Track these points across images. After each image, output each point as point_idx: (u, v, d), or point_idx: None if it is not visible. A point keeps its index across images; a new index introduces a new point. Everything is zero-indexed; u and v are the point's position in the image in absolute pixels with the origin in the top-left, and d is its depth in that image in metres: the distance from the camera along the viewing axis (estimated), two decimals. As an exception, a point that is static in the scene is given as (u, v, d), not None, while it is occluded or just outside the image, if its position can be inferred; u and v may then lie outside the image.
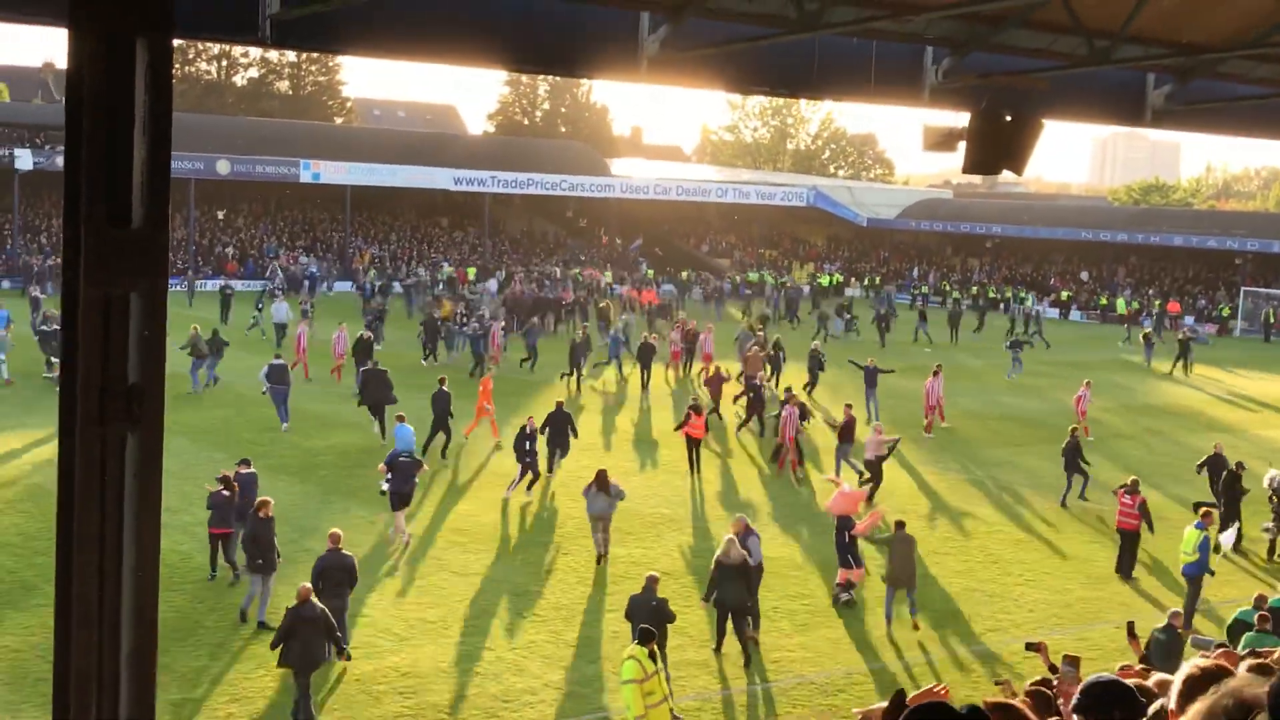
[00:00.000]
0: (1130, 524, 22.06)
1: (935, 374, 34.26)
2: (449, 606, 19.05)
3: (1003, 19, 11.51)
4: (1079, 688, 3.86)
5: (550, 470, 26.92)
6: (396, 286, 62.52)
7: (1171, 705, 3.88)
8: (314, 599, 15.43)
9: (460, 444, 29.32)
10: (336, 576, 16.77)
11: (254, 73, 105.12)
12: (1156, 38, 12.03)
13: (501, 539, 22.76)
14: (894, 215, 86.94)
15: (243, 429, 30.75)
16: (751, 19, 10.62)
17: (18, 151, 62.25)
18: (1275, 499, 23.65)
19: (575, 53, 10.79)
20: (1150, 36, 11.94)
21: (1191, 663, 3.85)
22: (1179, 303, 69.55)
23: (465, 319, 44.06)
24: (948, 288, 76.68)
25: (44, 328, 37.49)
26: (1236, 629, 16.33)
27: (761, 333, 42.70)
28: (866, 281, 79.73)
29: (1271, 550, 23.62)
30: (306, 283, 62.99)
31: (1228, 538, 22.63)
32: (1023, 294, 73.27)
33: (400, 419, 25.63)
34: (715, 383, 34.41)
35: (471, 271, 70.46)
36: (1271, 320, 65.34)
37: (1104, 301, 72.11)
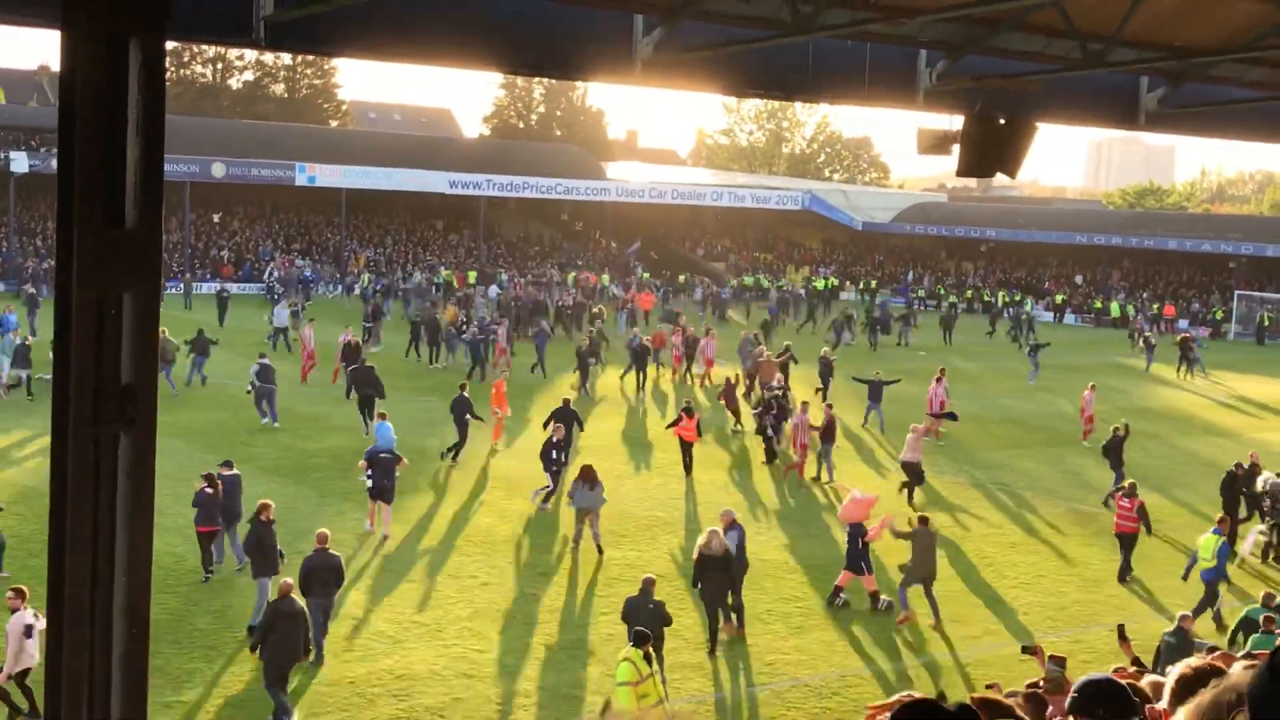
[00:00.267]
0: (1129, 527, 22.11)
1: (939, 379, 34.11)
2: (442, 609, 19.04)
3: (997, 22, 11.52)
4: (1073, 687, 3.87)
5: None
6: (397, 291, 62.45)
7: (1164, 705, 3.88)
8: (294, 595, 15.62)
9: (493, 450, 29.49)
10: (324, 576, 16.94)
11: (249, 75, 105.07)
12: (1150, 41, 12.04)
13: (496, 542, 22.74)
14: (889, 219, 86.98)
15: (237, 431, 30.73)
16: (746, 22, 10.63)
17: (13, 154, 62.18)
18: (1269, 502, 23.67)
19: (569, 55, 10.79)
20: (1144, 40, 11.96)
21: (1184, 663, 3.86)
22: (1174, 306, 69.70)
23: (465, 324, 44.01)
24: (942, 291, 76.72)
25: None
26: (1245, 627, 16.40)
27: (762, 343, 42.58)
28: (861, 285, 79.79)
29: (1266, 552, 23.65)
30: (299, 285, 62.91)
31: (1248, 543, 22.74)
32: (1018, 297, 73.27)
33: (382, 416, 26.04)
34: (730, 396, 33.53)
35: (472, 275, 70.51)
36: (1266, 324, 65.44)
37: (1098, 305, 72.18)
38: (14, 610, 14.82)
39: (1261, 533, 23.83)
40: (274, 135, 77.73)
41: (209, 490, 19.90)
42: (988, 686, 10.97)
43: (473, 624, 18.48)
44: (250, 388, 32.41)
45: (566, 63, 11.07)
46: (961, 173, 11.98)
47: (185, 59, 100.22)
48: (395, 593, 19.72)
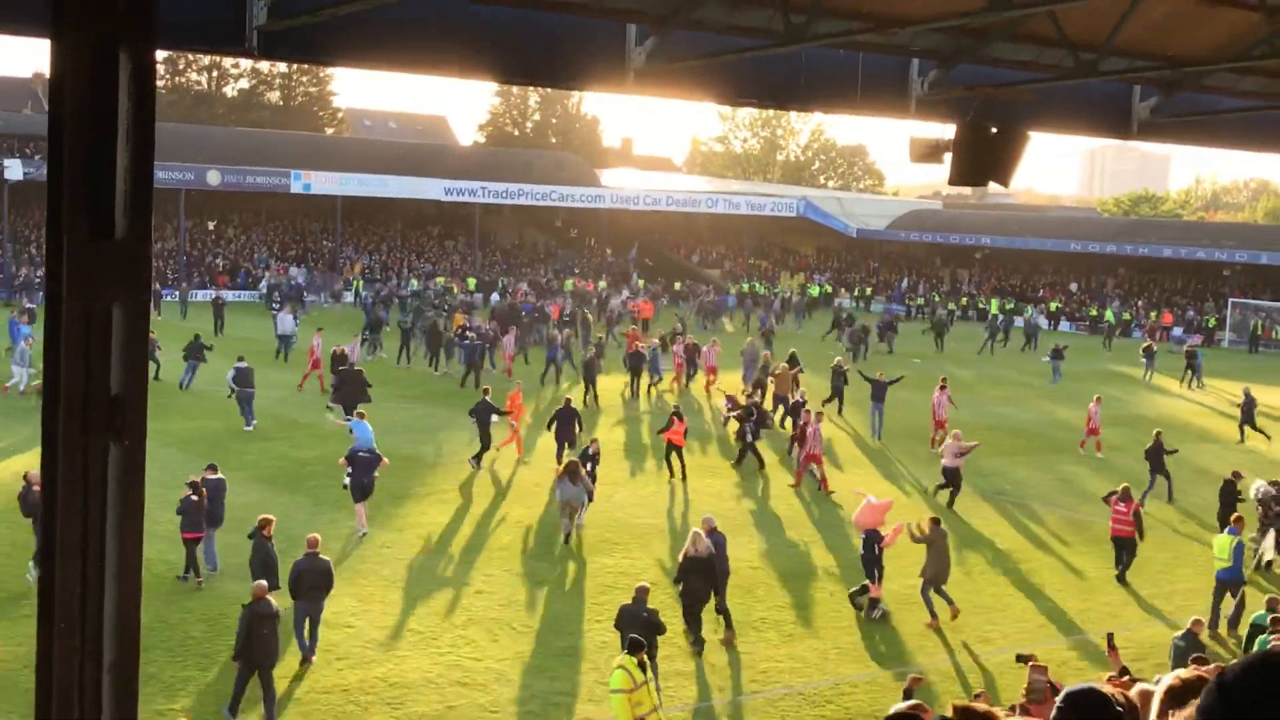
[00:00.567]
0: (1125, 530, 22.21)
1: (942, 388, 33.97)
2: (437, 617, 19.03)
3: (988, 31, 11.55)
4: (1057, 698, 3.88)
5: (559, 460, 27.45)
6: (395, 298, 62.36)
7: (1153, 717, 3.88)
8: (269, 597, 15.74)
9: (522, 461, 29.56)
10: (313, 580, 17.01)
11: (244, 83, 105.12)
12: (1142, 50, 12.08)
13: (490, 549, 22.73)
14: (883, 226, 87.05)
15: (230, 439, 30.70)
16: (738, 31, 10.65)
17: (7, 161, 62.11)
18: (1261, 509, 23.71)
19: (562, 65, 10.81)
20: (1136, 49, 11.99)
21: (1174, 674, 3.86)
22: (1171, 314, 69.82)
23: (466, 330, 43.99)
24: (938, 298, 76.78)
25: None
26: (1254, 635, 16.44)
27: (764, 350, 42.51)
28: (856, 292, 79.87)
29: (1258, 561, 23.66)
30: (293, 293, 62.77)
31: (1269, 546, 22.77)
32: (1010, 306, 73.28)
33: (360, 415, 26.59)
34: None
35: (471, 282, 70.47)
36: (1259, 332, 65.50)
37: (1093, 312, 72.26)
38: None
39: (1252, 540, 23.84)
40: (269, 143, 77.74)
41: (194, 498, 20.00)
42: (975, 696, 10.96)
43: (466, 632, 18.47)
44: (230, 391, 32.81)
45: (559, 72, 11.10)
46: (954, 181, 12.02)
47: (180, 66, 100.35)
48: (389, 600, 19.71)
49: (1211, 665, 10.18)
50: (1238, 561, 20.05)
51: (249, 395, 32.06)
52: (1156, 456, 28.27)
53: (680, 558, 18.54)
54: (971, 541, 24.54)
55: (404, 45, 9.92)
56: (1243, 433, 36.39)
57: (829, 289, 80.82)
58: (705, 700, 16.61)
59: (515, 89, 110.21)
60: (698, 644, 18.04)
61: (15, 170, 61.93)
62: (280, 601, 17.40)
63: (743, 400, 32.86)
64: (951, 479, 27.07)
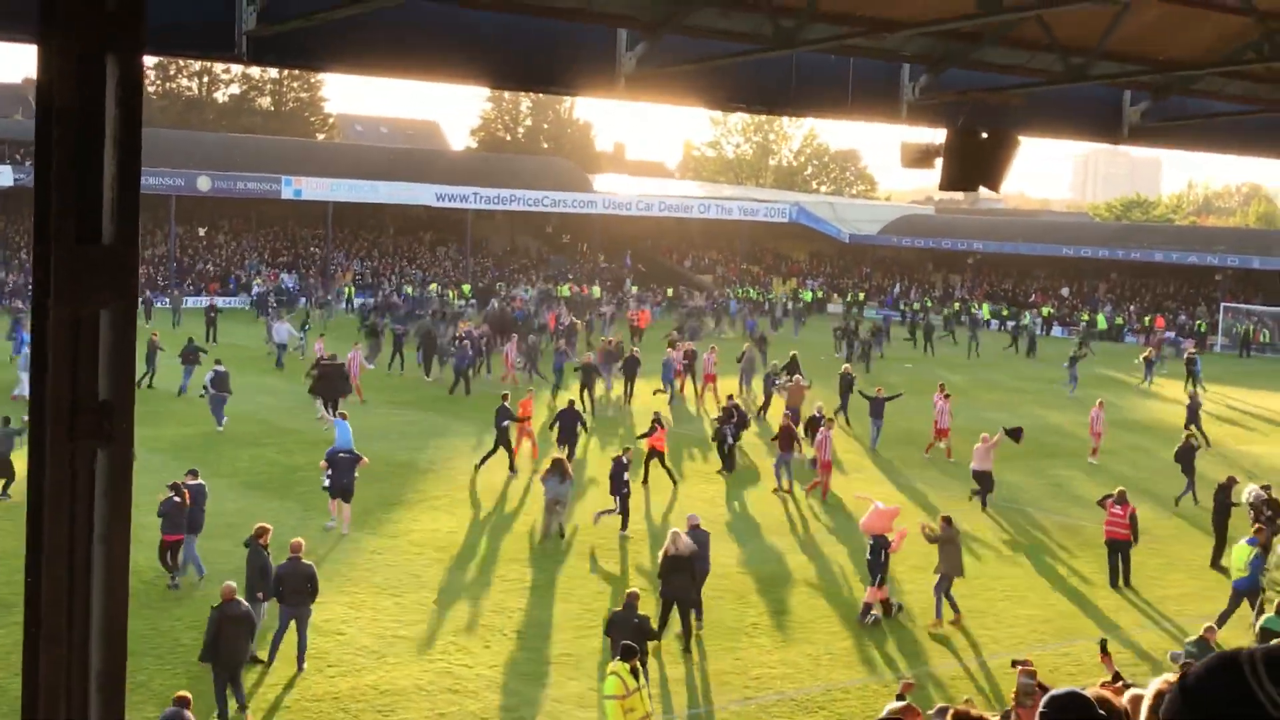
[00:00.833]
0: (1121, 534, 22.24)
1: (946, 396, 33.75)
2: (428, 624, 19.00)
3: (979, 36, 11.56)
4: (1041, 701, 3.87)
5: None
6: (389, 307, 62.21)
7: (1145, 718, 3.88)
8: (239, 598, 15.83)
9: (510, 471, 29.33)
10: (295, 584, 17.01)
11: (235, 89, 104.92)
12: (1132, 55, 12.10)
13: (481, 556, 22.71)
14: (876, 231, 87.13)
15: (221, 445, 30.66)
16: (728, 36, 10.66)
17: (-2, 167, 62.11)
18: (1252, 514, 23.73)
19: (553, 70, 10.81)
20: (1126, 53, 12.01)
21: (1161, 678, 3.85)
22: (1162, 318, 69.91)
23: (462, 338, 43.85)
24: (929, 304, 76.82)
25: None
26: (1264, 638, 16.45)
27: (756, 356, 42.43)
28: (849, 298, 79.92)
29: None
30: (273, 299, 62.46)
31: None
32: (1007, 311, 73.31)
33: (342, 416, 26.92)
34: (787, 435, 29.78)
35: (466, 288, 70.44)
36: (1250, 336, 65.59)
37: (1085, 317, 72.33)
38: None
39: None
40: (260, 148, 77.62)
41: (176, 499, 20.04)
42: (964, 701, 10.98)
43: (457, 639, 18.44)
44: (204, 392, 33.36)
45: (550, 77, 11.10)
46: (944, 186, 12.03)
47: (171, 72, 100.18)
48: (380, 607, 19.67)
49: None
50: (1255, 571, 20.12)
51: (223, 399, 32.70)
52: (1186, 458, 28.74)
53: (660, 556, 18.65)
54: (964, 546, 24.48)
55: (394, 50, 9.91)
56: (1202, 434, 36.17)
57: (821, 294, 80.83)
58: (697, 707, 16.60)
59: (507, 94, 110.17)
60: (686, 638, 18.35)
61: (6, 176, 61.84)
62: (273, 608, 17.43)
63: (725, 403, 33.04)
64: (983, 482, 27.48)
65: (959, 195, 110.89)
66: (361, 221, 77.60)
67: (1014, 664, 14.17)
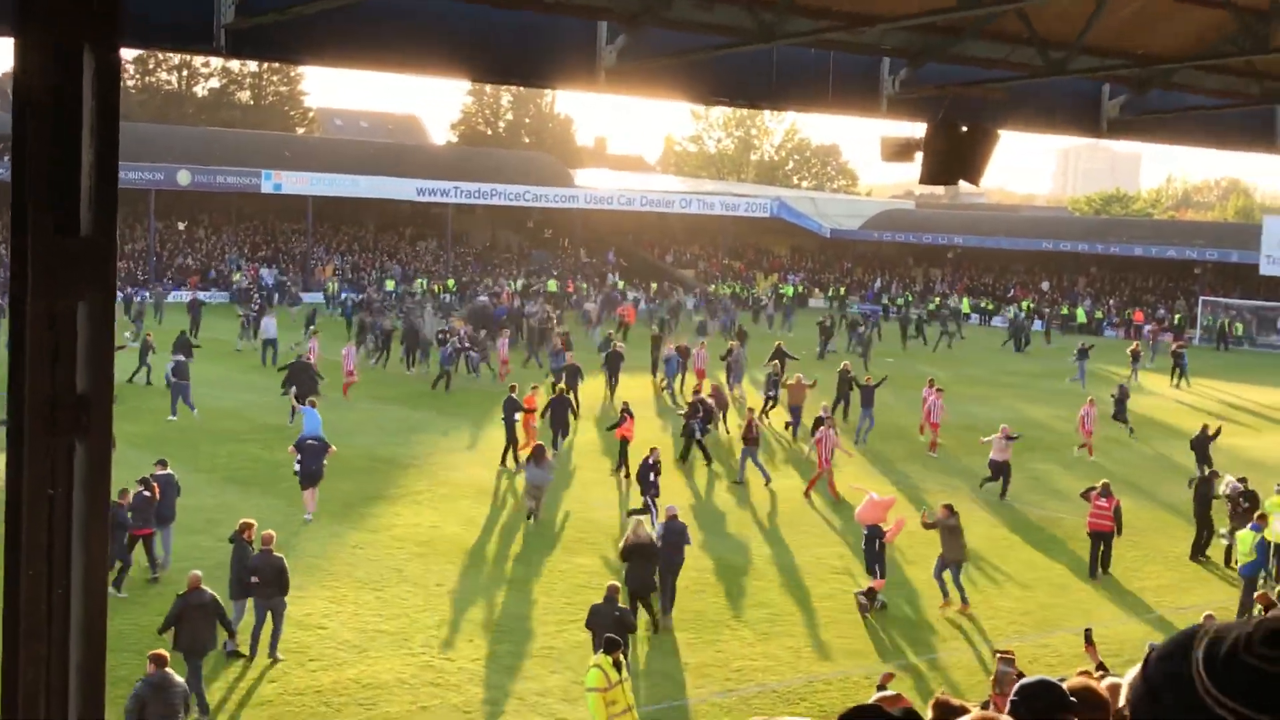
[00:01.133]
0: (1105, 525, 22.34)
1: (939, 391, 33.77)
2: (410, 618, 18.98)
3: (958, 30, 11.58)
4: (1014, 689, 3.90)
5: (555, 446, 28.92)
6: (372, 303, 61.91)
7: (1123, 705, 3.89)
8: (203, 586, 15.84)
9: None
10: (267, 576, 17.02)
11: (215, 83, 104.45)
12: (1111, 48, 12.14)
13: (463, 550, 22.69)
14: (857, 226, 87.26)
15: (202, 440, 30.55)
16: (708, 29, 10.65)
17: (-24, 162, 61.61)
18: (1230, 505, 23.87)
19: (533, 63, 10.80)
20: (1105, 47, 12.05)
21: (1138, 667, 3.87)
22: (1142, 312, 70.19)
23: (446, 335, 43.66)
24: (911, 299, 76.93)
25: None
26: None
27: (776, 362, 42.36)
28: (831, 292, 80.00)
29: (1228, 556, 23.80)
30: (257, 295, 62.10)
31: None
32: (988, 304, 73.44)
33: (311, 404, 27.26)
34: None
35: (451, 283, 70.32)
36: (1226, 330, 65.89)
37: (1065, 311, 72.61)
38: None
39: (1223, 535, 23.99)
40: (240, 142, 77.33)
41: (146, 494, 19.98)
42: (940, 691, 11.03)
43: (439, 632, 18.43)
44: (167, 381, 33.76)
45: (530, 71, 11.08)
46: (924, 180, 12.06)
47: (150, 66, 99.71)
48: (361, 601, 19.64)
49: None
50: (1261, 555, 20.68)
51: (184, 387, 33.22)
52: (1202, 447, 29.41)
53: (621, 544, 18.80)
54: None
55: (373, 43, 9.89)
56: (1127, 424, 36.36)
57: (802, 289, 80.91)
58: (679, 699, 16.62)
59: (488, 88, 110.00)
60: (655, 623, 18.49)
61: (-16, 170, 61.37)
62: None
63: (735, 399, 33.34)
64: (999, 471, 27.91)
65: (939, 190, 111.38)
66: (342, 216, 77.32)
67: (994, 653, 14.27)
